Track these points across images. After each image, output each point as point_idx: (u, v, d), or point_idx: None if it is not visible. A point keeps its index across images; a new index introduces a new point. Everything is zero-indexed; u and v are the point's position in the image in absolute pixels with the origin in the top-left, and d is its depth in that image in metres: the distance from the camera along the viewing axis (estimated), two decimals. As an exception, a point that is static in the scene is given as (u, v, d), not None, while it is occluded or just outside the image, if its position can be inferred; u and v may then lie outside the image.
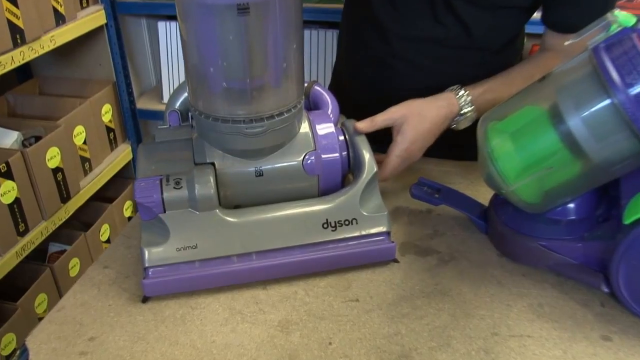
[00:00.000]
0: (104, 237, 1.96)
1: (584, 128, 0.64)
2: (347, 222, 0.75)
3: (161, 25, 2.00)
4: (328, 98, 0.86)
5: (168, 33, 2.01)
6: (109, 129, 1.96)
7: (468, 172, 0.98)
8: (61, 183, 1.68)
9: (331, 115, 0.83)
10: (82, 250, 1.84)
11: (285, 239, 0.73)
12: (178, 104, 0.85)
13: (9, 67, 1.43)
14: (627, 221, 0.65)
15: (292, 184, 0.77)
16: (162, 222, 0.72)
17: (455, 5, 0.91)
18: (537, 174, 0.70)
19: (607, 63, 0.61)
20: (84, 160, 1.83)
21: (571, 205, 0.73)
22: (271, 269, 0.73)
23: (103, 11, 1.84)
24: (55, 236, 1.82)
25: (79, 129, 1.77)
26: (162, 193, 0.71)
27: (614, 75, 0.60)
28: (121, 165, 2.03)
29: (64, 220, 1.73)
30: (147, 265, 0.71)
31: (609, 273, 0.68)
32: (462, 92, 0.88)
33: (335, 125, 0.81)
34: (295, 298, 0.72)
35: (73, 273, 1.81)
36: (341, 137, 0.80)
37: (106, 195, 2.02)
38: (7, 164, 1.47)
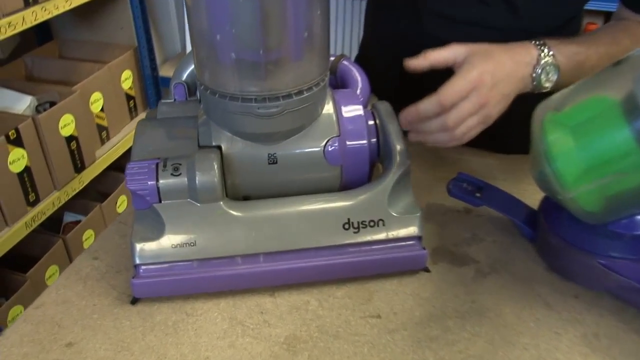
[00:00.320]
0: (120, 209, 1.89)
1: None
2: (372, 223, 0.64)
3: (187, -12, 1.89)
4: (358, 75, 0.74)
5: (194, -3, 1.90)
6: (129, 97, 1.87)
7: (514, 167, 0.86)
8: (75, 152, 1.61)
9: (360, 96, 0.72)
10: (97, 222, 1.77)
11: (298, 240, 0.63)
12: (186, 75, 0.74)
13: (19, 28, 1.34)
14: None
15: (310, 174, 0.66)
16: (157, 214, 0.62)
17: None
18: (603, 180, 0.58)
19: None
20: (100, 128, 1.75)
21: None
22: (281, 273, 0.63)
23: (125, -30, 1.75)
24: (70, 206, 1.76)
25: (96, 96, 1.69)
26: (157, 179, 0.61)
27: None
28: (141, 135, 1.94)
29: (77, 190, 1.66)
30: (137, 262, 0.62)
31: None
32: (537, 41, 0.72)
33: (365, 107, 0.69)
34: (307, 309, 0.62)
35: (87, 245, 1.73)
36: (371, 122, 0.68)
37: (125, 165, 1.95)
38: (17, 130, 1.40)
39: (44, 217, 1.55)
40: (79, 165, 1.64)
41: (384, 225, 0.64)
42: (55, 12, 1.44)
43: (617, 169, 0.57)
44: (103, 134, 1.77)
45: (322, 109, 0.66)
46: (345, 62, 0.76)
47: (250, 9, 0.54)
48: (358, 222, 0.64)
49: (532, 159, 0.65)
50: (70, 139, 1.57)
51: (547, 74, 0.70)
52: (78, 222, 1.78)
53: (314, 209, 0.64)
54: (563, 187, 0.60)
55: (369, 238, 0.64)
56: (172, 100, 0.73)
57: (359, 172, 0.67)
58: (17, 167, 1.42)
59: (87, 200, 1.79)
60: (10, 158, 1.40)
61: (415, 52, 0.84)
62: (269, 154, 0.65)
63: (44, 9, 1.40)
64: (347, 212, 0.64)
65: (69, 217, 1.83)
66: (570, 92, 0.63)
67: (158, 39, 1.99)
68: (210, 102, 0.63)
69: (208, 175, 0.61)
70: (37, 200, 1.52)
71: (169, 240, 0.62)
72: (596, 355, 0.57)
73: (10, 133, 1.38)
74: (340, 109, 0.67)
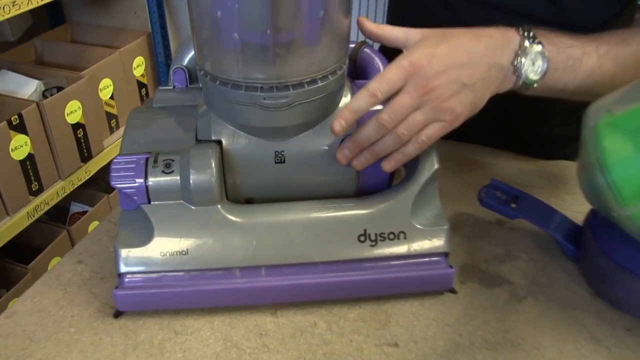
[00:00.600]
0: (129, 201, 1.82)
1: None
2: (392, 236, 0.55)
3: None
4: (380, 65, 0.65)
5: (212, -17, 1.82)
6: (141, 84, 1.80)
7: (554, 174, 0.76)
8: (82, 140, 1.54)
9: (383, 89, 0.63)
10: (104, 213, 1.71)
11: (306, 252, 0.55)
12: (187, 59, 0.66)
13: (25, 8, 1.27)
14: None
15: (322, 176, 0.58)
16: (145, 216, 0.54)
17: None
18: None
19: None
20: (110, 116, 1.68)
21: None
22: (285, 290, 0.55)
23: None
24: (76, 196, 1.69)
25: (106, 82, 1.62)
26: (146, 177, 0.53)
27: None
28: (153, 125, 1.87)
29: (83, 180, 1.59)
30: (122, 270, 0.54)
31: None
32: (519, 27, 0.59)
33: (387, 101, 0.61)
34: (314, 333, 0.54)
35: (92, 237, 1.68)
36: (393, 119, 0.59)
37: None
38: (20, 116, 1.33)
39: (47, 207, 1.48)
40: (86, 154, 1.57)
41: (405, 238, 0.56)
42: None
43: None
44: (112, 122, 1.70)
45: (339, 101, 0.58)
46: (366, 50, 0.67)
47: (256, -20, 0.46)
48: (376, 234, 0.55)
49: (581, 167, 0.56)
50: (77, 126, 1.50)
51: (533, 63, 0.57)
52: (85, 212, 1.72)
53: (325, 216, 0.56)
54: (619, 202, 0.51)
55: (388, 252, 0.55)
56: (171, 87, 0.65)
57: (378, 176, 0.59)
58: (19, 154, 1.36)
59: (94, 190, 1.73)
60: (13, 145, 1.33)
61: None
62: (275, 151, 0.56)
63: (50, -12, 1.33)
64: (364, 221, 0.55)
65: (75, 208, 1.77)
66: (629, 90, 0.54)
67: (173, 25, 1.91)
68: (210, 91, 0.55)
69: (204, 173, 0.53)
70: (40, 190, 1.46)
71: (158, 247, 0.54)
72: (653, 403, 0.48)
73: (12, 118, 1.31)
74: (360, 103, 0.58)
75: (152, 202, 0.54)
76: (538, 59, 0.57)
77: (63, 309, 0.57)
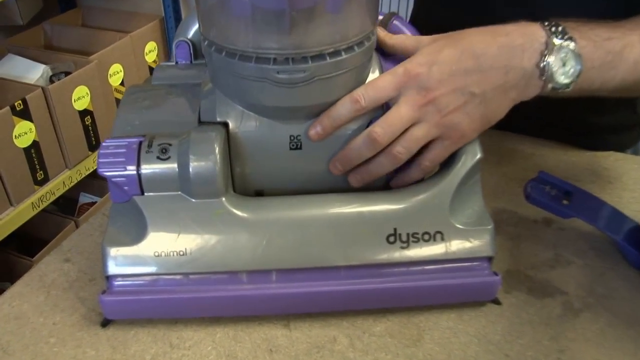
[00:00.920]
0: (139, 192, 1.76)
1: None
2: (426, 236, 0.47)
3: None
4: (412, 40, 0.57)
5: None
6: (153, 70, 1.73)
7: (605, 168, 0.67)
8: (90, 128, 1.47)
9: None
10: (113, 205, 1.64)
11: (325, 254, 0.47)
12: (192, 31, 0.58)
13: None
14: None
15: (345, 166, 0.50)
16: (137, 209, 0.46)
17: None
18: None
19: None
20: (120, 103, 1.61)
21: None
22: (299, 298, 0.47)
23: None
24: (85, 186, 1.63)
25: (116, 68, 1.55)
26: (138, 164, 0.45)
27: None
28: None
29: (91, 170, 1.53)
30: (110, 272, 0.46)
31: None
32: (546, 21, 0.49)
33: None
34: (333, 350, 0.46)
35: (101, 229, 1.62)
36: (428, 100, 0.51)
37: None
38: (25, 101, 1.27)
39: (52, 198, 1.42)
40: (94, 143, 1.50)
41: (442, 239, 0.47)
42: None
43: None
44: (123, 109, 1.63)
45: (366, 78, 0.49)
46: (396, 22, 0.58)
47: None
48: (408, 234, 0.47)
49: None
50: (84, 113, 1.44)
51: (563, 63, 0.47)
52: (94, 203, 1.66)
53: (348, 212, 0.47)
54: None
55: (421, 256, 0.47)
56: (173, 63, 0.58)
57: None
58: (23, 141, 1.29)
59: (104, 181, 1.66)
60: (16, 131, 1.27)
61: (485, 9, 0.65)
62: (290, 135, 0.48)
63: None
64: (394, 219, 0.47)
65: (84, 199, 1.71)
66: None
67: (187, 9, 1.84)
68: (215, 64, 0.47)
69: (206, 160, 0.45)
70: (46, 179, 1.39)
71: (152, 246, 0.46)
72: None
73: (16, 104, 1.25)
74: (390, 81, 0.49)
75: (145, 194, 0.46)
76: (570, 59, 0.47)
77: (44, 315, 0.49)
